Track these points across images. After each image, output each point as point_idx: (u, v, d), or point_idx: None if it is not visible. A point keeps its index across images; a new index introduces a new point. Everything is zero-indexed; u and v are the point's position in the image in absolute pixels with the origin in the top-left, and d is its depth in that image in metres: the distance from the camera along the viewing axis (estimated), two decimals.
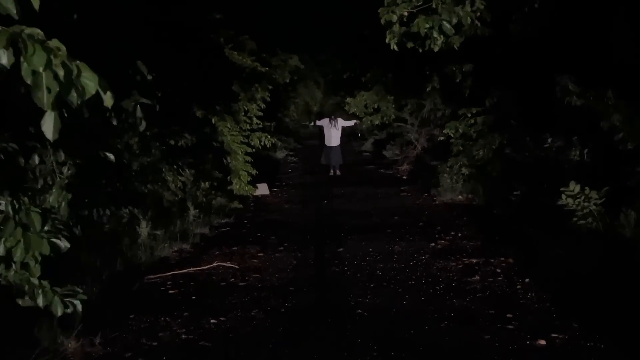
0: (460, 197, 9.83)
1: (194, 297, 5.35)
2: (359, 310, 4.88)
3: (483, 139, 9.99)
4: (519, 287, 5.39)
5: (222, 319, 4.79)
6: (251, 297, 5.32)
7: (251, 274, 6.05)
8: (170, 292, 5.55)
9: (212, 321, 4.74)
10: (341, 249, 6.88)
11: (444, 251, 6.67)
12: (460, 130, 10.34)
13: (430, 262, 6.28)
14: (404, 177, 12.91)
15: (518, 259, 6.19)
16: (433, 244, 6.97)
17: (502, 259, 6.22)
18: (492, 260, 6.18)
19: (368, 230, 7.77)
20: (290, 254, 6.75)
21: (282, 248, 7.05)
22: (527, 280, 5.53)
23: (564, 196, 6.57)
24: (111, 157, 4.98)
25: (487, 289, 5.37)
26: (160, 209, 8.24)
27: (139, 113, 4.75)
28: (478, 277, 5.68)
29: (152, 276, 5.98)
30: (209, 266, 6.30)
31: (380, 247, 6.89)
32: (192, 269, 6.23)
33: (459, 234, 7.42)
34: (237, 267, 6.30)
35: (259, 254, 6.80)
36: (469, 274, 5.80)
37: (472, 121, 10.20)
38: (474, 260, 6.23)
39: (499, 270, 5.87)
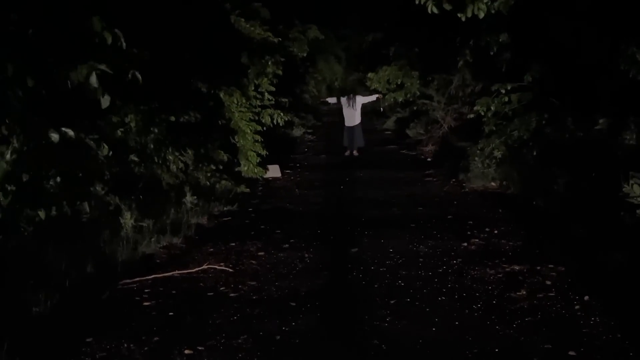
0: (492, 184, 8.61)
1: (171, 314, 4.25)
2: (376, 341, 3.72)
3: (519, 119, 8.73)
4: (577, 307, 4.19)
5: (199, 348, 3.67)
6: (242, 315, 4.20)
7: (246, 280, 4.93)
8: (145, 304, 4.46)
9: (186, 352, 3.63)
10: (355, 249, 5.73)
11: (478, 254, 5.48)
12: (493, 109, 9.07)
13: (463, 268, 5.09)
14: (429, 160, 11.70)
15: (571, 266, 4.98)
16: (465, 244, 5.79)
17: (551, 266, 5.01)
18: (539, 268, 4.98)
19: (388, 225, 6.61)
20: (295, 254, 5.62)
21: (286, 246, 5.93)
22: (586, 298, 4.32)
23: (631, 182, 5.26)
24: (70, 133, 3.86)
25: (538, 309, 4.18)
26: (157, 193, 7.21)
27: (94, 83, 3.60)
28: (524, 293, 4.49)
29: (128, 280, 4.90)
30: (198, 269, 5.20)
31: (402, 247, 5.73)
32: (177, 271, 5.13)
33: (495, 231, 6.22)
34: (231, 270, 5.19)
35: (259, 253, 5.69)
36: (512, 287, 4.61)
37: (507, 98, 8.91)
38: (517, 268, 5.03)
39: (549, 283, 4.67)
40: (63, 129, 3.90)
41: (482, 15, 5.20)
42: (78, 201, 5.27)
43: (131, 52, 4.87)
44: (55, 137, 3.64)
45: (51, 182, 4.69)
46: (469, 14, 5.67)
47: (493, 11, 5.17)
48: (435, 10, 5.14)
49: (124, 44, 4.13)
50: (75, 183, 5.12)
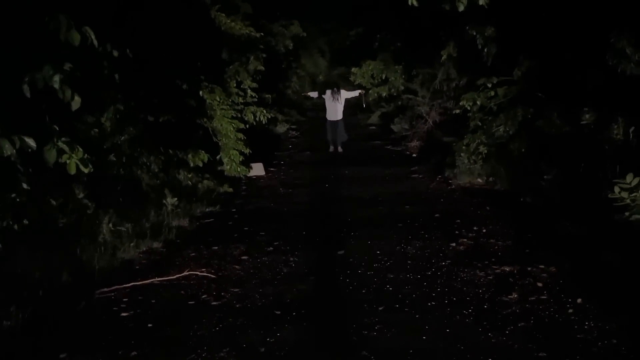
0: (479, 180, 8.50)
1: (150, 325, 4.05)
2: (365, 352, 3.56)
3: (505, 113, 8.59)
4: (570, 311, 4.06)
5: None
6: (224, 325, 4.01)
7: (230, 287, 4.74)
8: (123, 314, 4.25)
9: None
10: (342, 252, 5.56)
11: (468, 254, 5.35)
12: (479, 103, 8.92)
13: (452, 270, 4.95)
14: (414, 156, 11.54)
15: (562, 267, 4.86)
16: (454, 244, 5.65)
17: (542, 266, 4.90)
18: (530, 269, 4.86)
19: (375, 225, 6.46)
20: (280, 258, 5.44)
21: (271, 249, 5.74)
22: (579, 300, 4.20)
23: (617, 189, 5.18)
24: (31, 143, 3.62)
25: (530, 314, 4.04)
26: (136, 195, 6.99)
27: (56, 84, 3.38)
28: (516, 296, 4.35)
29: (106, 289, 4.69)
30: (178, 275, 5.00)
31: (390, 249, 5.57)
32: (157, 279, 4.93)
33: (484, 230, 6.09)
34: (213, 276, 5.00)
35: (243, 257, 5.50)
36: (503, 289, 4.48)
37: (492, 93, 8.77)
38: (507, 269, 4.90)
39: (540, 285, 4.54)
40: (25, 138, 3.64)
41: (461, 8, 5.00)
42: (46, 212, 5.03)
43: (104, 50, 4.66)
44: (8, 149, 3.37)
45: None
46: (448, 7, 5.47)
47: (481, 3, 4.96)
48: (415, 3, 4.94)
49: (96, 42, 3.91)
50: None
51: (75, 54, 3.66)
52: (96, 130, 6.78)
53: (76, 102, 3.74)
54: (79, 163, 4.18)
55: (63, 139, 4.59)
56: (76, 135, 5.73)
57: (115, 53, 4.50)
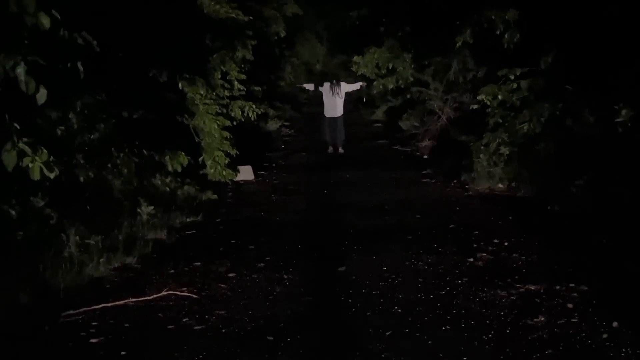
0: (500, 185, 8.59)
1: (123, 353, 4.06)
2: None
3: (529, 109, 8.67)
4: (605, 336, 4.10)
5: None
6: (209, 353, 4.04)
7: (214, 309, 4.77)
8: (93, 341, 4.26)
9: None
10: (343, 268, 5.60)
11: (487, 271, 5.39)
12: (500, 97, 9.01)
13: (470, 289, 4.99)
14: (426, 157, 11.66)
15: (594, 285, 4.91)
16: (471, 260, 5.69)
17: (572, 285, 4.94)
18: (559, 288, 4.90)
19: (381, 237, 6.51)
20: (272, 275, 5.47)
21: (262, 265, 5.77)
22: (615, 324, 4.24)
23: None
24: None
25: (559, 339, 4.08)
26: (106, 203, 7.01)
27: (21, 76, 3.41)
28: (542, 319, 4.38)
29: (72, 312, 4.71)
30: (156, 295, 5.02)
31: (398, 265, 5.62)
32: (131, 299, 4.95)
33: (505, 243, 6.15)
34: (195, 296, 5.02)
35: (230, 275, 5.53)
36: (528, 311, 4.52)
37: (515, 85, 8.84)
38: (533, 288, 4.94)
39: (570, 306, 4.58)
40: None
41: None
42: None
43: (72, 37, 4.68)
44: None
45: None
46: None
47: None
48: None
49: (65, 32, 3.95)
50: None
51: (39, 40, 3.69)
52: (62, 128, 6.81)
53: (42, 96, 3.79)
54: (43, 167, 4.22)
55: (25, 139, 4.63)
56: (39, 135, 5.77)
57: (80, 40, 4.52)
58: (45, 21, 3.72)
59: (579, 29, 8.10)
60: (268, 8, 14.40)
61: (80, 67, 4.21)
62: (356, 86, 13.19)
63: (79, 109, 6.98)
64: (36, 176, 3.98)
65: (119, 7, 7.49)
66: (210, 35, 9.36)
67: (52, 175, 4.08)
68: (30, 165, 3.98)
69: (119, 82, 7.78)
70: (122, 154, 7.60)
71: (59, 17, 3.92)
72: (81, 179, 6.93)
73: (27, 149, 4.14)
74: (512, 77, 8.74)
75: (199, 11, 9.05)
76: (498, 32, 9.14)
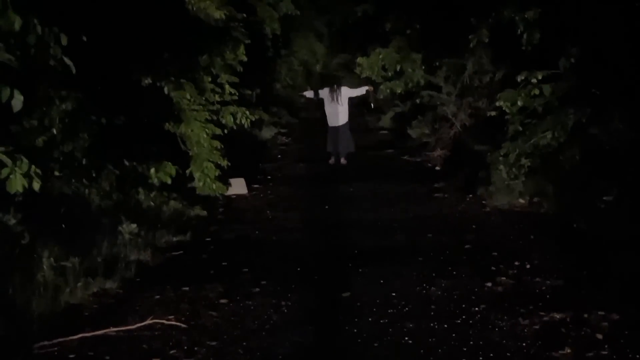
0: (520, 200, 8.63)
1: None
2: None
3: (553, 116, 8.72)
4: None
5: None
6: None
7: (204, 340, 4.80)
8: None
9: None
10: (348, 294, 5.64)
11: (507, 297, 5.43)
12: (520, 103, 9.03)
13: (488, 318, 5.02)
14: (438, 169, 11.73)
15: (626, 313, 4.94)
16: (490, 284, 5.73)
17: (602, 313, 4.96)
18: (587, 317, 4.93)
19: (388, 259, 6.57)
20: (268, 302, 5.51)
21: (257, 290, 5.82)
22: None
23: None
24: None
25: None
26: (85, 220, 7.04)
27: None
28: (569, 351, 4.42)
29: (47, 342, 4.74)
30: (140, 324, 5.05)
31: (408, 290, 5.66)
32: (112, 329, 4.98)
33: (527, 265, 6.19)
34: (183, 326, 5.06)
35: (221, 301, 5.57)
36: (553, 343, 4.54)
37: (537, 91, 8.88)
38: (558, 317, 4.97)
39: (600, 337, 4.61)
40: None
41: None
42: None
43: (51, 33, 4.73)
44: None
45: None
46: None
47: None
48: None
49: (39, 28, 3.99)
50: None
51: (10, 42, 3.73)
52: (43, 137, 6.84)
53: (17, 102, 3.82)
54: (22, 179, 4.24)
55: (2, 148, 4.66)
56: (18, 143, 5.82)
57: (64, 40, 4.56)
58: (14, 21, 3.76)
59: (606, 26, 8.16)
60: (262, 4, 14.51)
61: (69, 62, 4.25)
62: (361, 91, 13.13)
63: (58, 116, 7.02)
64: (18, 188, 4.01)
65: (95, 4, 7.55)
66: (199, 34, 9.40)
67: (37, 188, 4.11)
68: (12, 177, 4.01)
69: (98, 85, 7.83)
70: (102, 166, 7.65)
71: (33, 17, 3.96)
72: (57, 193, 6.99)
73: (6, 159, 4.17)
74: (533, 81, 8.78)
75: (186, 8, 9.10)
76: (519, 32, 9.20)
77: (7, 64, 3.97)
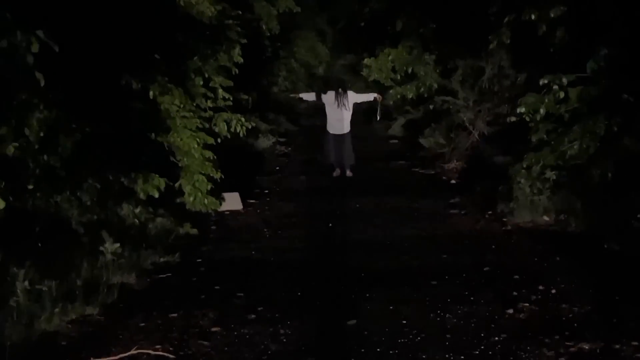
0: (545, 218, 8.67)
1: None
2: None
3: (580, 124, 8.75)
4: None
5: None
6: None
7: None
8: None
9: None
10: (354, 322, 5.64)
11: (531, 326, 5.43)
12: (543, 111, 9.05)
13: (509, 348, 5.03)
14: (453, 182, 11.77)
15: None
16: (511, 311, 5.74)
17: (635, 343, 4.97)
18: (618, 347, 4.94)
19: (399, 282, 6.60)
20: (265, 330, 5.52)
21: (253, 316, 5.83)
22: None
23: None
24: None
25: None
26: (63, 239, 7.07)
27: None
28: None
29: None
30: (123, 355, 5.06)
31: (420, 317, 5.67)
32: (93, 359, 4.99)
33: (552, 290, 6.20)
34: (171, 356, 5.07)
35: (213, 329, 5.58)
36: None
37: (562, 95, 8.91)
38: (587, 347, 4.98)
39: None
40: None
41: None
42: None
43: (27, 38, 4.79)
44: None
45: None
46: None
47: None
48: None
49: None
50: None
51: None
52: (15, 145, 6.87)
53: None
54: None
55: None
56: None
57: (35, 47, 4.61)
58: None
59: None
60: (260, 0, 14.61)
61: (39, 76, 4.30)
62: (368, 97, 13.11)
63: (35, 124, 7.05)
64: None
65: (78, 5, 7.62)
66: (190, 34, 9.47)
67: (1, 205, 4.15)
68: None
69: (81, 92, 7.87)
70: (83, 178, 7.68)
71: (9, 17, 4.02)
72: (32, 208, 7.03)
73: None
74: (558, 86, 8.80)
75: (176, 4, 9.17)
76: (541, 33, 9.26)
77: None
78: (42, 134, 6.85)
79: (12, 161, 6.69)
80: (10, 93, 6.17)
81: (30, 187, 7.07)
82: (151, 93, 8.82)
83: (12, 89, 5.94)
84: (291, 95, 18.56)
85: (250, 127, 10.67)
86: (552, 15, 9.13)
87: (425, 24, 13.90)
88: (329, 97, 12.63)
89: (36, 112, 6.78)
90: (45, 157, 7.11)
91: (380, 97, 13.12)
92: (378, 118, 14.00)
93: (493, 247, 7.76)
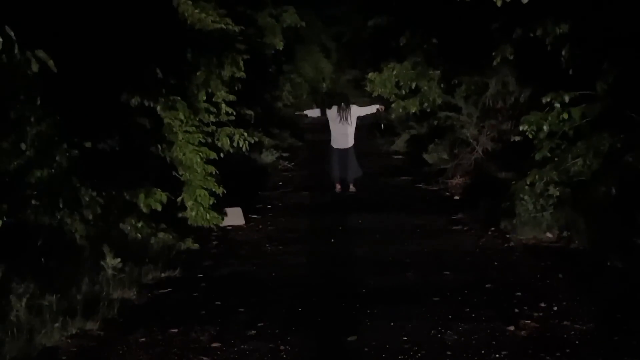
0: (548, 234, 8.67)
1: None
2: None
3: (584, 142, 8.76)
4: None
5: None
6: None
7: None
8: None
9: None
10: (354, 338, 5.64)
11: (532, 343, 5.42)
12: (546, 128, 9.05)
13: None
14: (456, 198, 11.77)
15: None
16: (512, 328, 5.73)
17: None
18: None
19: (400, 299, 6.58)
20: (266, 346, 5.52)
21: (253, 332, 5.84)
22: None
23: None
24: None
25: None
26: (63, 254, 7.09)
27: None
28: None
29: None
30: None
31: (421, 334, 5.67)
32: None
33: (555, 307, 6.19)
34: None
35: (214, 345, 5.58)
36: None
37: (566, 115, 8.90)
38: None
39: None
40: None
41: None
42: None
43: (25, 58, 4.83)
44: None
45: None
46: None
47: None
48: None
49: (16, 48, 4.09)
50: None
51: None
52: (15, 162, 6.90)
53: None
54: None
55: None
56: None
57: (35, 67, 4.64)
58: None
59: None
60: (264, 15, 14.68)
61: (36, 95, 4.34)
62: (371, 109, 13.14)
63: (34, 139, 7.09)
64: None
65: (80, 19, 7.67)
66: (194, 49, 9.51)
67: None
68: None
69: (83, 107, 7.91)
70: (84, 193, 7.70)
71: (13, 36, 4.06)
72: (33, 223, 7.04)
73: None
74: (561, 103, 8.79)
75: (180, 21, 9.21)
76: (548, 48, 9.27)
77: None
78: (35, 149, 6.89)
79: (10, 176, 6.73)
80: (9, 108, 6.21)
81: (34, 201, 7.13)
82: (157, 108, 8.84)
83: (11, 104, 5.98)
84: (296, 113, 18.54)
85: (253, 141, 10.70)
86: (559, 31, 9.13)
87: (429, 39, 13.91)
88: (332, 112, 12.65)
89: (34, 127, 6.82)
90: (39, 172, 7.16)
91: (383, 107, 13.20)
92: (382, 127, 14.06)
93: (495, 263, 7.76)
